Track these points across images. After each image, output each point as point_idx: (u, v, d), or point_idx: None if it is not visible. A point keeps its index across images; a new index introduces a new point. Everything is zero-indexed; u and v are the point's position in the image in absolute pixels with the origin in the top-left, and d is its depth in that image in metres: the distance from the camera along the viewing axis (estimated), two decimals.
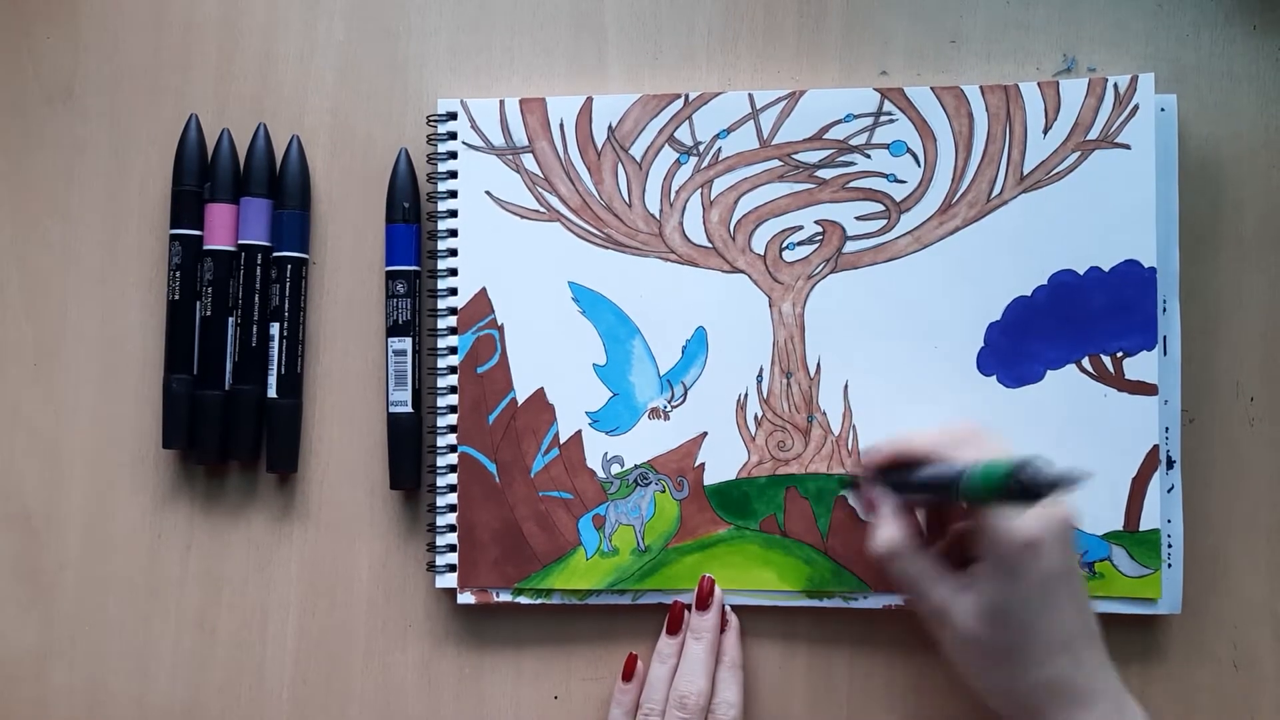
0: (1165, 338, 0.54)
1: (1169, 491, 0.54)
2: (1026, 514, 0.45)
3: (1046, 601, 0.45)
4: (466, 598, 0.56)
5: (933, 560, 0.49)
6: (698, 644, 0.54)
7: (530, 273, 0.57)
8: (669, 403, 0.56)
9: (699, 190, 0.56)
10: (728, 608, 0.55)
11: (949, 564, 0.49)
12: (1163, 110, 0.54)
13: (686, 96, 0.56)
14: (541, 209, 0.57)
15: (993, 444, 0.48)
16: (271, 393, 0.58)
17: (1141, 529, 0.53)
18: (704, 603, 0.55)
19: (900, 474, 0.50)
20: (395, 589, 0.58)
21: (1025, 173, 0.54)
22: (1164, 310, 0.54)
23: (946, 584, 0.48)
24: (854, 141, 0.55)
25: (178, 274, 0.58)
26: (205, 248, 0.59)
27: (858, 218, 0.55)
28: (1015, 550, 0.45)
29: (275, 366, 0.58)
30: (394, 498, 0.59)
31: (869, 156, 0.55)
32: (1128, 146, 0.54)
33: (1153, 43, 0.56)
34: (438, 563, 0.57)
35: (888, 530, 0.49)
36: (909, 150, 0.55)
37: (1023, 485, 0.41)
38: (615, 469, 0.56)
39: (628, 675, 0.55)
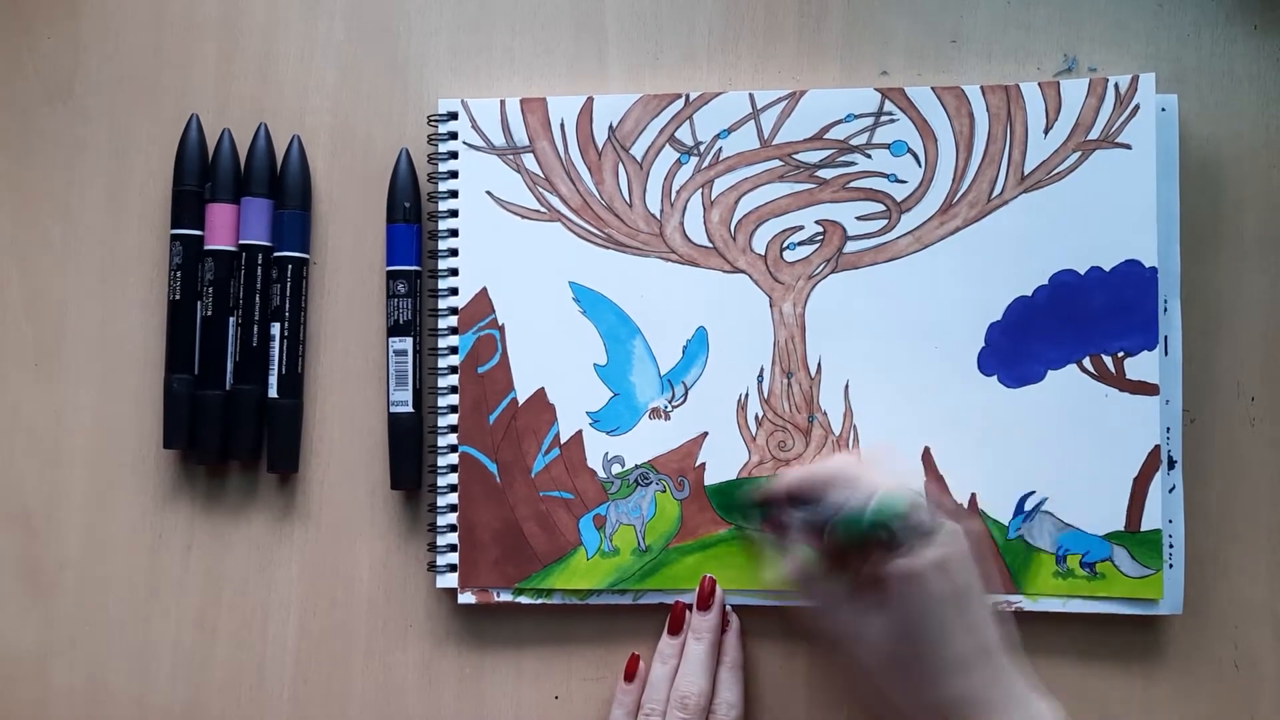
0: (1166, 338, 0.54)
1: (1170, 492, 0.54)
2: (912, 547, 0.46)
3: (938, 627, 0.46)
4: (467, 598, 0.56)
5: (842, 584, 0.49)
6: (699, 644, 0.54)
7: (531, 273, 0.57)
8: (670, 403, 0.56)
9: (699, 190, 0.56)
10: (729, 608, 0.55)
11: (861, 586, 0.49)
12: (1163, 110, 0.54)
13: (687, 96, 0.56)
14: (542, 209, 0.57)
15: (869, 478, 0.48)
16: (272, 393, 0.58)
17: (1143, 529, 0.53)
18: (705, 603, 0.55)
19: (790, 509, 0.51)
20: (396, 589, 0.58)
21: (1026, 173, 0.54)
22: (1165, 310, 0.54)
23: (855, 606, 0.48)
24: (855, 141, 0.55)
25: (178, 274, 0.58)
26: (206, 248, 0.59)
27: (858, 218, 0.55)
28: (900, 582, 0.46)
29: (276, 366, 0.58)
30: (395, 498, 0.59)
31: (869, 156, 0.55)
32: (1128, 146, 0.54)
33: (1153, 43, 0.56)
34: (438, 563, 0.57)
35: (798, 555, 0.50)
36: (910, 150, 0.55)
37: (883, 536, 0.46)
38: (616, 469, 0.56)
39: (630, 675, 0.55)
